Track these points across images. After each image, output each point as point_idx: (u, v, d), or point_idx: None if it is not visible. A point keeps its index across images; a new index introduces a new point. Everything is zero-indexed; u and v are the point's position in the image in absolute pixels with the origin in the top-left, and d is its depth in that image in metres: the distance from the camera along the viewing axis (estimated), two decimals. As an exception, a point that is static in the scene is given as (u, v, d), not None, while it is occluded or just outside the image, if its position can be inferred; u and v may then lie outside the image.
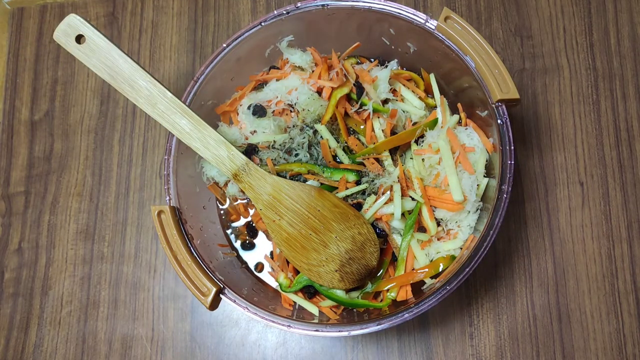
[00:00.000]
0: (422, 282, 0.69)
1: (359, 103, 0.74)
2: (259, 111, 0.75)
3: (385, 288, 0.70)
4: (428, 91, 0.77)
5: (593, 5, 0.87)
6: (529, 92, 0.84)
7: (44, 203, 0.86)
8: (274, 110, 0.76)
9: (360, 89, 0.74)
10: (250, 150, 0.75)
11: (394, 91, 0.77)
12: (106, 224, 0.85)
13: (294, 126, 0.75)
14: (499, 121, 0.64)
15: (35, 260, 0.84)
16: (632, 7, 0.86)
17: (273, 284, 0.75)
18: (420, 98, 0.76)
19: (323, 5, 0.70)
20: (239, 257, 0.77)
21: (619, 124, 0.82)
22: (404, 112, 0.76)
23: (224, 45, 0.72)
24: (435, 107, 0.75)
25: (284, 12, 0.71)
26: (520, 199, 0.80)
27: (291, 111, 0.76)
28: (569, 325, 0.76)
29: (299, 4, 0.71)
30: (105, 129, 0.88)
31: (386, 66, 0.77)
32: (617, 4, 0.87)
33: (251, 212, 0.78)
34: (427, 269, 0.68)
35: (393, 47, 0.76)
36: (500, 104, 0.65)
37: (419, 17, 0.68)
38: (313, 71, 0.76)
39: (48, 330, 0.81)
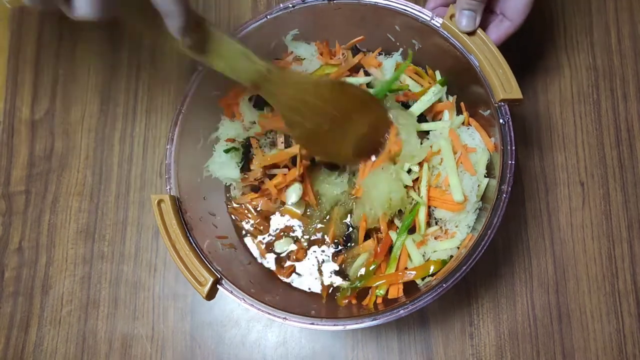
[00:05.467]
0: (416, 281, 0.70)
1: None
2: (259, 103, 0.75)
3: (374, 284, 0.70)
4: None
5: (594, 4, 0.87)
6: (529, 92, 0.84)
7: (45, 202, 0.86)
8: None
9: (367, 74, 0.75)
10: (248, 144, 0.76)
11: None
12: (106, 223, 0.85)
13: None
14: (501, 121, 0.64)
15: (36, 260, 0.84)
16: (633, 5, 0.86)
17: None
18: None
19: (329, 0, 0.70)
20: (237, 249, 0.77)
21: (619, 123, 0.82)
22: None
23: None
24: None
25: (290, 5, 0.71)
26: (520, 198, 0.80)
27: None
28: (569, 325, 0.76)
29: (305, -2, 0.71)
30: (105, 128, 0.88)
31: (391, 55, 0.77)
32: (617, 3, 0.87)
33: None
34: (415, 271, 0.68)
35: (398, 43, 0.77)
36: (503, 103, 0.65)
37: (425, 14, 0.68)
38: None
39: (48, 329, 0.81)
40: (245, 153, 0.77)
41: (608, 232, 0.79)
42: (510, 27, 0.68)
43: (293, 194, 0.75)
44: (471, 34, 0.66)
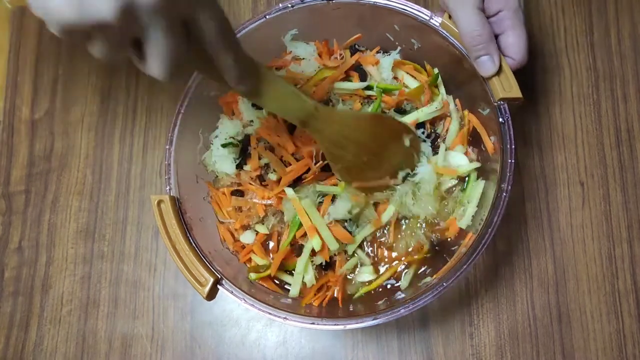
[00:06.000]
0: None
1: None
2: None
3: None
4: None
5: (594, 5, 0.87)
6: (529, 92, 0.84)
7: (44, 202, 0.86)
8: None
9: (363, 73, 0.75)
10: (246, 141, 0.76)
11: (396, 79, 0.77)
12: (106, 222, 0.85)
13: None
14: (500, 119, 0.65)
15: (36, 259, 0.84)
16: (633, 6, 0.86)
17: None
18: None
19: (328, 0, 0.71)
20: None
21: (619, 124, 0.82)
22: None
23: None
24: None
25: (289, 5, 0.71)
26: (520, 198, 0.80)
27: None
28: (569, 325, 0.76)
29: (303, -2, 0.71)
30: (105, 127, 0.88)
31: (389, 54, 0.77)
32: (617, 4, 0.87)
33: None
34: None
35: (397, 43, 0.77)
36: (502, 102, 0.65)
37: (424, 13, 0.69)
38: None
39: (48, 329, 0.81)
40: (243, 150, 0.77)
41: (608, 233, 0.79)
42: (515, 64, 0.67)
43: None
44: (498, 72, 0.65)
